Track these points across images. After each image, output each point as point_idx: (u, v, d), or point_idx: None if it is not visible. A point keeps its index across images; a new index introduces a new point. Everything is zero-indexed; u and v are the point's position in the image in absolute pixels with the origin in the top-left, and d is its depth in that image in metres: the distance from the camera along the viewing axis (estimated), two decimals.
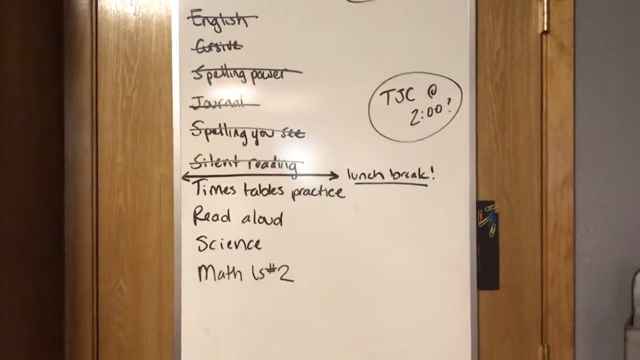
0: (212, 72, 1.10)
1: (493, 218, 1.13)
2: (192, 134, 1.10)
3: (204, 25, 1.10)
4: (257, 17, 1.10)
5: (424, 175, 1.12)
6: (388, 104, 1.11)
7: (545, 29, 1.12)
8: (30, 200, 0.99)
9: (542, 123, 1.14)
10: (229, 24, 1.10)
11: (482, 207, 1.13)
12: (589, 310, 1.13)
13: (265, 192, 1.10)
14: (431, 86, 1.11)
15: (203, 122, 1.10)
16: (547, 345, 1.13)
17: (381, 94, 1.11)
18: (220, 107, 1.10)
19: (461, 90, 1.12)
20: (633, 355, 0.99)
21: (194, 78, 1.10)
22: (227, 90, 1.10)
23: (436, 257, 1.12)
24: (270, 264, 1.11)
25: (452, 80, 1.12)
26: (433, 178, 1.12)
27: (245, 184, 1.10)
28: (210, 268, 1.10)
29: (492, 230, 1.13)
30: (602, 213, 1.13)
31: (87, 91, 1.12)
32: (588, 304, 1.13)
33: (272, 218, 1.10)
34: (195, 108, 1.10)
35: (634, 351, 0.99)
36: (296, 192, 1.11)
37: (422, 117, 1.11)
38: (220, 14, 1.10)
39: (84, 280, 1.11)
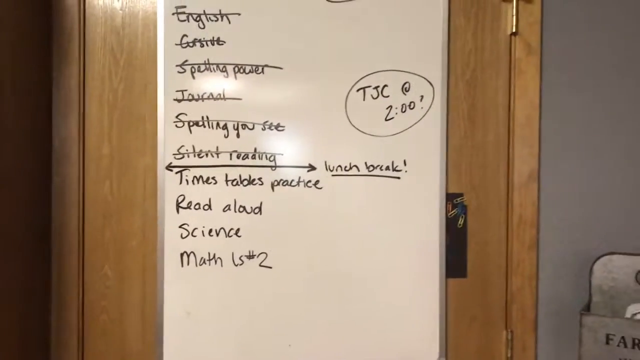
0: (196, 66, 1.14)
1: (462, 209, 1.20)
2: (176, 125, 1.14)
3: (188, 21, 1.14)
4: (239, 14, 1.15)
5: (397, 169, 1.17)
6: (364, 100, 1.17)
7: (514, 30, 1.18)
8: (19, 187, 1.03)
9: (509, 121, 1.20)
10: (212, 20, 1.14)
11: (451, 199, 1.19)
12: (550, 298, 1.20)
13: (245, 182, 1.15)
14: (405, 83, 1.17)
15: (186, 115, 1.14)
16: (511, 330, 1.20)
17: (358, 90, 1.17)
18: (203, 100, 1.15)
19: (433, 88, 1.17)
20: (587, 339, 1.06)
21: (178, 72, 1.14)
22: (210, 84, 1.15)
23: (408, 246, 1.18)
24: (249, 251, 1.16)
25: (425, 78, 1.17)
26: (406, 171, 1.18)
27: (226, 175, 1.15)
28: (192, 254, 1.15)
29: (461, 221, 1.19)
30: (564, 207, 1.20)
31: (75, 83, 1.15)
32: (550, 292, 1.20)
33: (252, 207, 1.16)
34: (179, 101, 1.14)
35: (588, 335, 1.06)
36: (275, 183, 1.16)
37: (396, 113, 1.17)
38: (204, 10, 1.14)
39: (70, 265, 1.15)
